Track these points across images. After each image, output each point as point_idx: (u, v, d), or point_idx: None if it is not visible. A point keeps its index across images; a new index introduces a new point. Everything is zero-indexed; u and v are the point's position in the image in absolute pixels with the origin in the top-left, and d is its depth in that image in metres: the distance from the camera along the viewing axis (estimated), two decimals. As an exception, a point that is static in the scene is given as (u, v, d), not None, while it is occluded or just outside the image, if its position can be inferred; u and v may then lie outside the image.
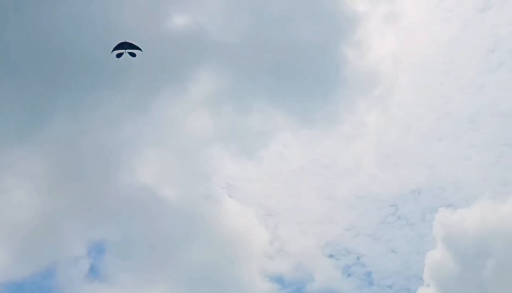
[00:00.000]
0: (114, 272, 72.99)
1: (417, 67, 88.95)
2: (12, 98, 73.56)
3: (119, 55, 59.28)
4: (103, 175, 73.39)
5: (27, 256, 70.00)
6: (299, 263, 77.79)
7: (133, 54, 59.49)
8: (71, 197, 71.55)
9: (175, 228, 73.54)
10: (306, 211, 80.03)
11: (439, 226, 75.31)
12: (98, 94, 76.06)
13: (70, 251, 72.40)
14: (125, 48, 58.98)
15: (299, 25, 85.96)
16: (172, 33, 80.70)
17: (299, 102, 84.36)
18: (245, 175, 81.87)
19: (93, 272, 73.42)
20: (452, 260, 72.45)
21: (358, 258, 78.95)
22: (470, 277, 70.23)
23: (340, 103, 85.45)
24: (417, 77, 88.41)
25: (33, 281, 71.60)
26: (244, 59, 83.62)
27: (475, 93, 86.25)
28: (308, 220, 79.66)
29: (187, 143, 79.33)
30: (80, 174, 72.82)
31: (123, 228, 72.27)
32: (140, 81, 77.94)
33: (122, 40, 58.91)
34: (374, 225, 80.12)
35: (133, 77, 77.35)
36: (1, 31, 74.56)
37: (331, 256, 78.69)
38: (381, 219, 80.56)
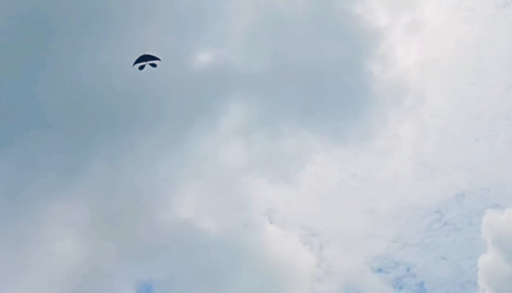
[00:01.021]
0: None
1: (444, 72, 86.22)
2: (51, 151, 73.90)
3: (141, 68, 60.81)
4: (143, 215, 72.51)
5: (77, 303, 68.17)
6: (348, 282, 74.61)
7: (154, 65, 60.92)
8: (114, 240, 70.80)
9: (219, 260, 71.57)
10: (349, 228, 77.21)
11: (487, 228, 71.56)
12: (132, 137, 75.88)
13: (120, 294, 70.18)
14: (146, 60, 60.58)
15: (321, 46, 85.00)
16: (198, 70, 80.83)
17: (330, 122, 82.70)
18: (284, 199, 79.80)
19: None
20: (505, 262, 68.46)
21: (408, 269, 75.26)
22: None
23: (372, 119, 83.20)
24: (446, 81, 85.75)
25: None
26: (271, 85, 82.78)
27: (507, 89, 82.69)
28: (352, 236, 76.85)
29: (223, 174, 78.07)
30: (121, 216, 71.94)
31: (168, 265, 70.90)
32: (172, 119, 77.99)
33: (143, 53, 61.12)
34: (420, 234, 76.62)
35: (165, 117, 77.45)
36: (34, 86, 75.07)
37: (379, 270, 75.27)
38: (426, 226, 77.02)
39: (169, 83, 77.17)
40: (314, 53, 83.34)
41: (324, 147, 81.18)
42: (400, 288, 73.54)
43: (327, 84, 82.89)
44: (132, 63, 60.82)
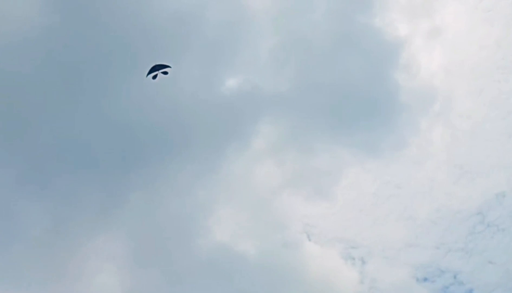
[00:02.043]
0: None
1: (469, 73, 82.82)
2: (91, 187, 73.41)
3: (154, 77, 61.76)
4: (181, 242, 70.99)
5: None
6: (395, 294, 69.44)
7: (165, 73, 61.86)
8: (155, 269, 69.24)
9: (259, 282, 69.20)
10: (389, 238, 73.55)
11: (533, 227, 66.29)
12: (167, 167, 75.10)
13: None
14: (157, 70, 61.46)
15: (345, 61, 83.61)
16: (227, 96, 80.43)
17: (361, 135, 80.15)
18: (321, 215, 76.87)
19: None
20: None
21: (454, 277, 70.91)
22: None
23: (403, 128, 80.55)
24: (472, 82, 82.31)
25: None
26: (299, 104, 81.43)
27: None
28: (393, 246, 73.17)
29: (258, 194, 76.01)
30: (160, 245, 70.53)
31: (209, 290, 67.27)
32: (204, 145, 76.94)
33: (154, 64, 62.52)
34: (463, 238, 72.52)
35: (198, 144, 76.64)
36: (72, 127, 75.21)
37: (425, 279, 71.17)
38: (469, 230, 72.96)
39: (199, 111, 77.45)
40: (338, 69, 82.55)
41: (357, 159, 79.26)
42: (449, 296, 69.18)
43: (354, 98, 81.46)
44: (146, 75, 62.03)
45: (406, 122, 79.83)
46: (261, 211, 73.89)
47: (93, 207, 70.67)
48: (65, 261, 66.37)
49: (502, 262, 69.17)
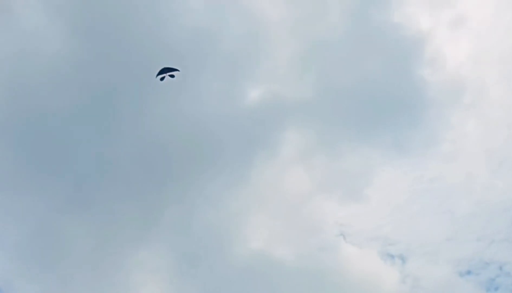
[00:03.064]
0: None
1: (498, 60, 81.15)
2: (130, 204, 74.09)
3: (162, 79, 63.84)
4: (219, 252, 70.47)
5: None
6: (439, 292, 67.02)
7: (172, 76, 63.89)
8: (195, 281, 68.58)
9: (298, 287, 67.24)
10: (427, 233, 71.20)
11: None
12: (200, 180, 75.31)
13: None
14: (165, 72, 63.67)
15: (367, 61, 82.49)
16: (251, 107, 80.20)
17: (390, 134, 78.99)
18: (357, 216, 75.29)
19: None
20: None
21: (500, 268, 67.93)
22: None
23: (433, 124, 79.11)
24: (501, 69, 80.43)
25: None
26: (323, 108, 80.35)
27: None
28: (432, 242, 70.95)
29: (289, 201, 74.96)
30: (198, 257, 70.13)
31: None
32: (234, 157, 76.95)
33: (163, 67, 64.43)
34: (505, 228, 70.06)
35: (227, 155, 76.88)
36: (108, 149, 76.60)
37: (468, 272, 68.44)
38: (510, 220, 69.45)
39: (225, 124, 77.75)
40: (360, 70, 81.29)
41: (388, 158, 77.68)
42: (496, 289, 66.83)
43: (379, 98, 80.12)
44: (155, 76, 63.05)
45: (436, 117, 78.40)
46: (294, 217, 73.10)
47: (133, 224, 71.79)
48: (111, 276, 67.74)
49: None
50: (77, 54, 77.50)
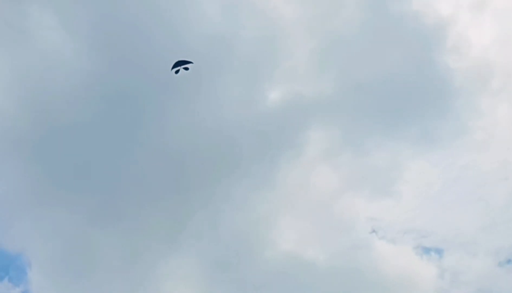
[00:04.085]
0: None
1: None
2: (158, 214, 73.85)
3: (177, 72, 64.56)
4: (248, 256, 69.33)
5: None
6: (480, 285, 65.67)
7: (186, 68, 64.50)
8: (226, 286, 67.63)
9: (331, 288, 65.26)
10: (462, 222, 68.81)
11: None
12: (226, 185, 74.58)
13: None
14: (180, 65, 64.51)
15: (387, 53, 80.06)
16: (273, 107, 79.02)
17: (417, 126, 76.88)
18: (389, 212, 73.43)
19: None
20: None
21: (543, 255, 64.41)
22: None
23: (462, 112, 76.71)
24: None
25: None
26: (346, 105, 78.78)
27: None
28: (469, 231, 68.26)
29: (317, 201, 73.37)
30: (228, 262, 69.27)
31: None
32: (257, 160, 75.85)
33: (177, 60, 65.28)
34: (543, 215, 65.95)
35: (252, 159, 75.91)
36: (133, 163, 76.32)
37: (509, 261, 65.38)
38: (548, 205, 66.46)
39: (247, 127, 76.75)
40: (382, 62, 78.87)
41: (417, 151, 75.53)
42: (538, 277, 63.59)
43: (403, 90, 78.07)
44: (170, 69, 63.81)
45: (464, 105, 76.07)
46: (323, 216, 71.53)
47: (161, 233, 71.62)
48: (142, 285, 67.68)
49: None
50: (95, 67, 77.62)
